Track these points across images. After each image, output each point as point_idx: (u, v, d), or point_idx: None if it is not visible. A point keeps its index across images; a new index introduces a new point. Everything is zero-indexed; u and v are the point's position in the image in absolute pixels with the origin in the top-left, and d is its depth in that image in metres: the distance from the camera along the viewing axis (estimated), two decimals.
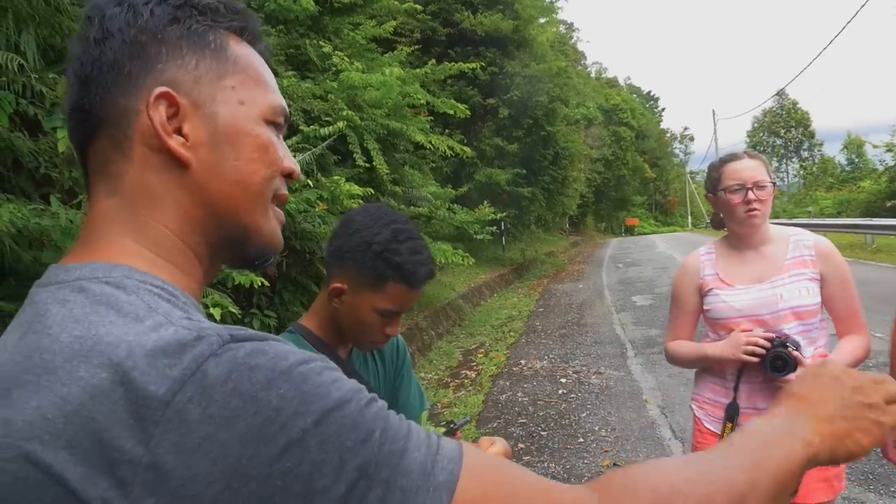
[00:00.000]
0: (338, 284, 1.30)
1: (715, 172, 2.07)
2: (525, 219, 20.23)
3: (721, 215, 2.14)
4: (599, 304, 11.84)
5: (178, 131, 0.61)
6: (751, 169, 1.98)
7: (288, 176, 0.69)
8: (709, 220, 2.30)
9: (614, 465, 4.27)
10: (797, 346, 1.87)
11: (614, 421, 5.16)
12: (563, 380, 6.57)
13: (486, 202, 12.75)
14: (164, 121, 0.60)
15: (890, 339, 1.85)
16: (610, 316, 10.30)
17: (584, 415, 5.37)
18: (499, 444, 1.32)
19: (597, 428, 5.02)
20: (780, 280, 1.97)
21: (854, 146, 55.09)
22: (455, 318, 10.37)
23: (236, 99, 0.64)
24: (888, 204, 22.97)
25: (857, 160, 54.43)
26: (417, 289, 1.31)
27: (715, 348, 2.01)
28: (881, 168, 28.83)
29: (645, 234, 51.45)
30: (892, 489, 3.59)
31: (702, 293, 2.10)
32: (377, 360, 1.49)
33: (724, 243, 2.14)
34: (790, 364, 1.82)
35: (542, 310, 11.72)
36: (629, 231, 54.30)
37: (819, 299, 1.96)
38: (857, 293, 2.00)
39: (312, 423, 0.47)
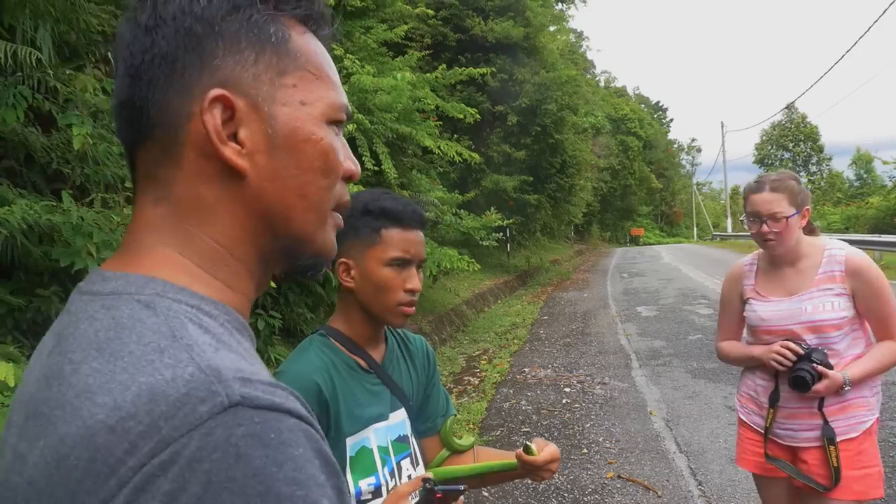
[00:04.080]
0: (342, 260, 1.30)
1: (743, 198, 2.23)
2: (531, 226, 20.22)
3: None
4: (604, 313, 11.80)
5: (234, 137, 0.56)
6: (768, 202, 2.08)
7: (349, 178, 0.64)
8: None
9: (618, 477, 4.24)
10: (824, 360, 2.01)
11: (618, 432, 5.12)
12: (567, 389, 6.54)
13: (492, 208, 12.76)
14: (219, 127, 0.55)
15: None
16: (614, 326, 10.26)
17: (588, 425, 5.34)
18: (553, 447, 1.37)
19: (601, 439, 4.98)
20: (808, 294, 2.10)
21: (863, 162, 54.97)
22: (459, 324, 10.35)
23: (298, 99, 0.59)
24: None
25: (865, 176, 54.32)
26: (413, 229, 1.33)
27: (757, 350, 2.21)
28: (890, 184, 28.78)
29: (650, 244, 51.32)
30: None
31: (743, 300, 2.28)
32: (409, 365, 1.47)
33: (766, 256, 2.26)
34: (810, 384, 1.98)
35: (546, 318, 11.69)
36: (634, 241, 54.17)
37: (845, 313, 2.06)
38: (893, 302, 2.08)
39: None
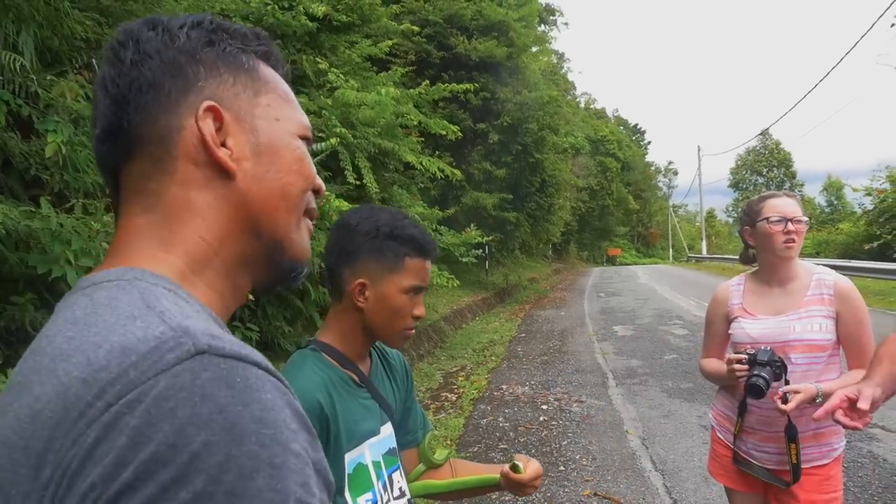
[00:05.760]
0: (360, 281, 1.30)
1: (756, 206, 2.26)
2: (509, 244, 20.32)
3: (751, 251, 2.34)
4: (581, 332, 11.86)
5: (223, 145, 0.62)
6: (790, 206, 2.19)
7: (316, 192, 0.70)
8: (739, 255, 2.50)
9: (594, 494, 4.25)
10: (779, 366, 2.05)
11: (595, 450, 5.14)
12: (545, 406, 6.56)
13: (472, 225, 12.80)
14: (214, 132, 0.61)
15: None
16: (591, 345, 10.31)
17: (566, 443, 5.35)
18: (536, 464, 1.44)
19: (577, 457, 4.99)
20: (795, 314, 2.15)
21: (834, 189, 56.28)
22: (436, 340, 10.33)
23: (272, 115, 0.66)
24: (866, 247, 23.44)
25: (836, 202, 55.59)
26: (431, 260, 1.37)
27: (722, 366, 2.25)
28: (860, 212, 29.46)
29: (626, 264, 51.84)
30: None
31: (728, 320, 2.31)
32: (391, 379, 1.48)
33: (754, 277, 2.33)
34: (764, 389, 2.02)
35: (523, 335, 11.72)
36: (611, 261, 54.66)
37: (831, 336, 2.11)
38: (871, 333, 2.13)
39: (210, 486, 0.42)
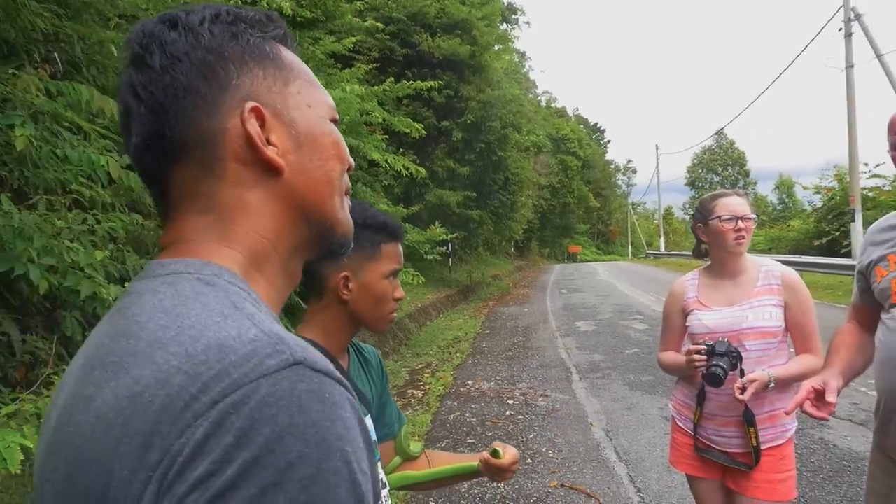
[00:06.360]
0: (343, 274, 1.34)
1: (708, 205, 2.37)
2: (473, 241, 20.44)
3: (704, 247, 2.44)
4: (544, 328, 12.03)
5: (267, 142, 0.63)
6: (740, 204, 2.31)
7: (349, 169, 0.73)
8: (692, 251, 2.61)
9: (561, 485, 4.35)
10: (735, 356, 2.17)
11: (561, 443, 5.25)
12: (511, 401, 6.65)
13: (437, 223, 12.85)
14: (260, 132, 0.62)
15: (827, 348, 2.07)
16: (555, 340, 10.47)
17: (532, 436, 5.45)
18: (513, 450, 1.51)
19: (544, 449, 5.09)
20: (748, 304, 2.27)
21: (785, 187, 58.13)
22: (402, 338, 10.35)
23: (304, 103, 0.66)
24: (815, 243, 24.27)
25: (787, 200, 57.43)
26: (402, 242, 1.44)
27: (680, 358, 2.36)
28: (809, 209, 30.49)
29: (587, 261, 52.58)
30: None
31: (685, 313, 2.41)
32: (367, 374, 1.52)
33: (707, 272, 2.45)
34: (723, 378, 2.13)
35: (488, 332, 11.82)
36: (572, 258, 55.38)
37: (780, 323, 2.24)
38: (815, 321, 2.27)
39: (302, 496, 0.46)
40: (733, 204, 2.31)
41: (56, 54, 4.00)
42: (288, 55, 0.68)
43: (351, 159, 0.72)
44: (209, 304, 0.54)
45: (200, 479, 0.45)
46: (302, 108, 0.66)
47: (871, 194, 21.31)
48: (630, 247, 65.29)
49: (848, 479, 4.24)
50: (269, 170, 0.63)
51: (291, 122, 0.65)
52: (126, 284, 3.33)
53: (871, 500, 1.93)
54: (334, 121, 0.70)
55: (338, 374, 0.53)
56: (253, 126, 0.61)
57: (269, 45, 0.66)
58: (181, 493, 0.45)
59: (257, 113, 0.62)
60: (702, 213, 2.39)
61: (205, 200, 0.62)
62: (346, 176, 0.71)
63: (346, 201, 0.72)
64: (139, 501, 0.46)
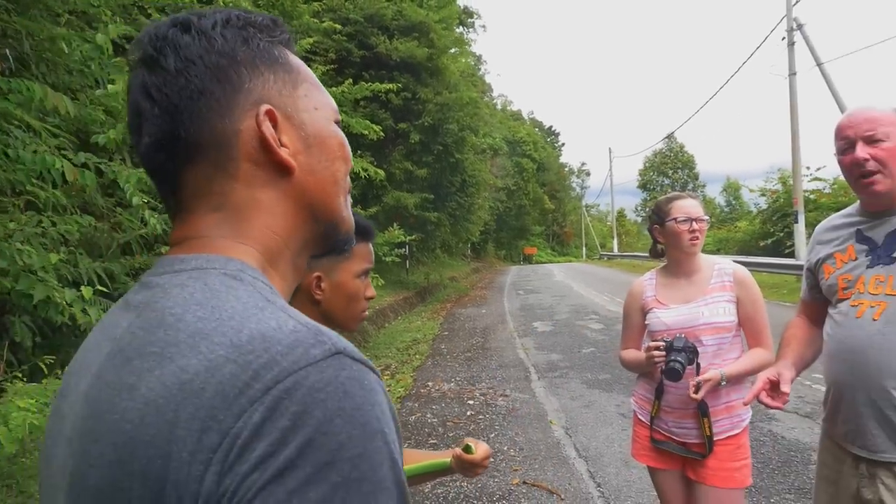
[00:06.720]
0: (316, 274, 1.36)
1: (664, 207, 2.46)
2: (430, 243, 20.47)
3: (660, 247, 2.54)
4: (502, 329, 12.15)
5: (280, 143, 0.65)
6: (694, 206, 2.42)
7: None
8: (648, 251, 2.70)
9: (523, 482, 4.42)
10: (692, 352, 2.27)
11: (522, 441, 5.32)
12: (471, 402, 6.70)
13: (395, 224, 12.85)
14: (275, 135, 0.64)
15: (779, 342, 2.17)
16: (513, 341, 10.59)
17: (493, 435, 5.51)
18: (485, 445, 1.53)
19: (506, 448, 5.16)
20: (703, 301, 2.37)
21: (732, 189, 60.06)
22: (360, 340, 10.30)
23: (312, 105, 0.69)
24: (761, 244, 25.16)
25: (734, 202, 59.30)
26: (372, 241, 1.46)
27: (640, 355, 2.44)
28: (755, 211, 31.56)
29: (542, 262, 53.22)
30: (773, 500, 3.95)
31: (644, 311, 2.50)
32: None
33: (663, 271, 2.55)
34: (681, 372, 2.23)
35: (446, 333, 11.87)
36: (527, 259, 55.96)
37: (734, 318, 2.35)
38: (766, 315, 2.39)
39: (353, 473, 0.49)
40: (688, 206, 2.41)
41: (7, 51, 3.87)
42: (293, 59, 0.70)
43: (351, 161, 0.75)
44: (241, 297, 0.57)
45: (260, 459, 0.48)
46: (310, 110, 0.68)
47: (812, 196, 22.20)
48: (584, 248, 66.36)
49: (795, 468, 4.43)
50: (281, 170, 0.65)
51: (301, 125, 0.67)
52: (83, 288, 3.24)
53: (820, 485, 2.04)
54: (337, 122, 0.73)
55: (371, 363, 0.56)
56: (268, 129, 0.64)
57: (277, 49, 0.68)
58: (243, 472, 0.48)
59: (271, 116, 0.64)
60: (658, 215, 2.48)
61: (217, 198, 0.64)
62: (347, 176, 0.74)
63: (349, 200, 0.74)
64: (201, 481, 0.48)
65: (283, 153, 0.65)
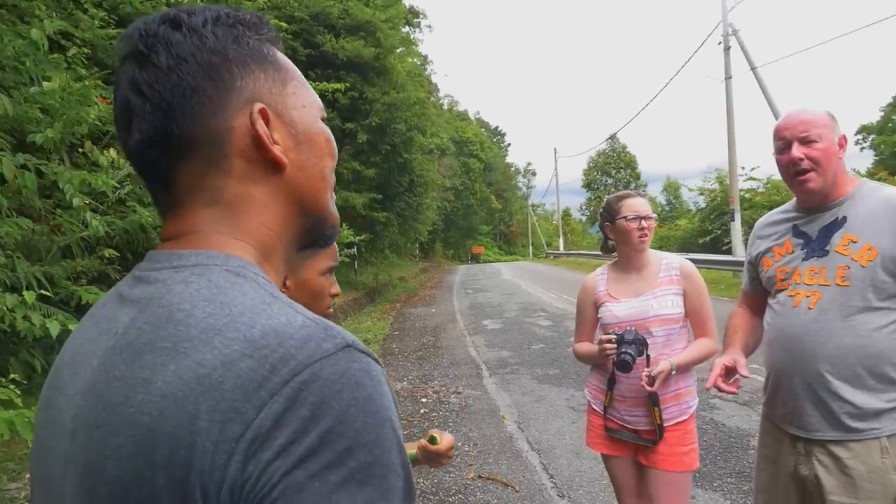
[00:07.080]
0: None
1: (615, 206, 2.57)
2: (379, 243, 20.40)
3: (611, 243, 2.65)
4: (453, 327, 12.23)
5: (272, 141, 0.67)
6: (643, 205, 2.54)
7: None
8: (600, 247, 2.81)
9: (479, 476, 4.48)
10: (641, 343, 2.38)
11: (475, 437, 5.40)
12: (424, 399, 6.74)
13: (343, 225, 12.76)
14: (268, 132, 0.66)
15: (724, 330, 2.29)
16: (464, 339, 10.69)
17: (447, 432, 5.54)
18: (449, 436, 1.61)
19: (460, 444, 5.21)
20: (652, 294, 2.49)
21: (672, 189, 61.93)
22: None
23: (300, 103, 0.70)
24: (700, 241, 26.05)
25: (674, 201, 61.16)
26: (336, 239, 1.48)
27: (593, 347, 2.55)
28: (694, 209, 32.64)
29: (490, 261, 53.73)
30: (716, 484, 4.13)
31: (597, 305, 2.60)
32: None
33: (614, 267, 2.66)
34: (631, 364, 2.34)
35: (397, 333, 11.88)
36: (475, 258, 56.40)
37: (681, 310, 2.47)
38: (710, 306, 2.51)
39: (368, 457, 0.52)
40: (637, 205, 2.53)
41: None
42: (281, 57, 0.72)
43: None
44: (248, 293, 0.59)
45: (283, 447, 0.50)
46: (298, 108, 0.70)
47: (748, 195, 23.12)
48: (531, 247, 67.22)
49: (735, 454, 4.64)
50: (273, 167, 0.66)
51: (291, 122, 0.69)
52: (25, 293, 3.13)
53: (761, 465, 2.16)
54: (323, 119, 0.75)
55: (375, 355, 0.59)
56: (262, 126, 0.65)
57: (266, 47, 0.69)
58: (266, 459, 0.50)
59: (263, 114, 0.65)
60: (609, 213, 2.59)
61: (211, 194, 0.65)
62: (333, 171, 0.76)
63: (333, 195, 0.77)
64: (225, 468, 0.50)
65: (277, 151, 0.66)
